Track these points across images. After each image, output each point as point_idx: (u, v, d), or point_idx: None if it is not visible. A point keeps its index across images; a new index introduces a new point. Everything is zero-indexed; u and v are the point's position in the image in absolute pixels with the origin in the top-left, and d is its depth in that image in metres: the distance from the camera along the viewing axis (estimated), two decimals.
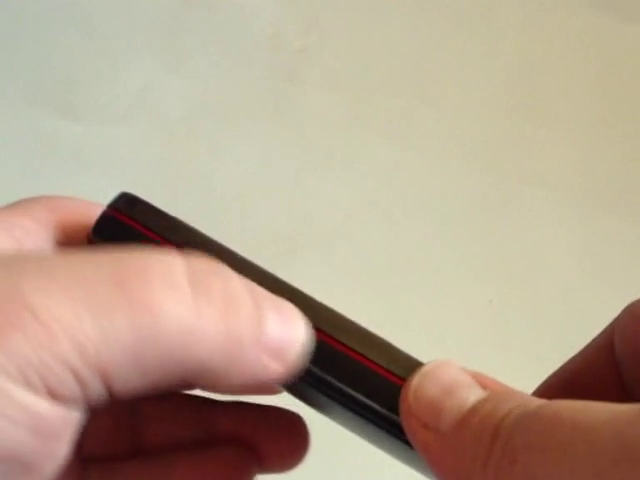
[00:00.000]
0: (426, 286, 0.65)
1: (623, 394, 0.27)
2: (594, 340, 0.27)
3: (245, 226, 0.66)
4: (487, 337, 0.63)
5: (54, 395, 0.20)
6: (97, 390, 0.21)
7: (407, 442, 0.23)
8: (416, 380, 0.22)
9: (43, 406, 0.20)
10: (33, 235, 0.25)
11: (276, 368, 0.23)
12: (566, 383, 0.28)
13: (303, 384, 0.24)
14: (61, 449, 0.21)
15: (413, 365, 0.24)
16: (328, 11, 0.75)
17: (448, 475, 0.21)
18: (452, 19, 0.75)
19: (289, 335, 0.23)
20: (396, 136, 0.71)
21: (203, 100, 0.71)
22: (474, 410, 0.21)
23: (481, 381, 0.22)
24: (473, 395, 0.22)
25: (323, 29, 0.74)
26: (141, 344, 0.20)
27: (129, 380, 0.21)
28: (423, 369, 0.23)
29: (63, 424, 0.21)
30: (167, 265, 0.21)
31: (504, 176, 0.70)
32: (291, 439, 0.28)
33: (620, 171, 0.70)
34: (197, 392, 0.27)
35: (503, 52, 0.74)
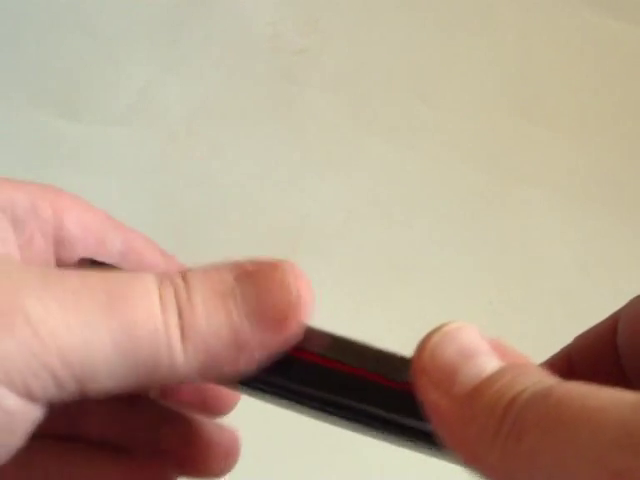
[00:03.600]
0: (425, 286, 0.65)
1: (620, 379, 0.27)
2: (598, 325, 0.27)
3: (245, 226, 0.66)
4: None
5: (30, 395, 0.21)
6: (71, 392, 0.22)
7: (411, 439, 0.24)
8: (435, 338, 0.22)
9: (14, 403, 0.21)
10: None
11: (248, 364, 0.24)
12: (566, 364, 0.28)
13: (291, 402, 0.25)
14: (15, 441, 0.22)
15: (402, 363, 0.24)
16: (328, 11, 0.75)
17: (455, 440, 0.21)
18: (452, 19, 0.75)
19: (267, 334, 0.24)
20: (396, 136, 0.71)
21: (203, 100, 0.71)
22: (489, 381, 0.21)
23: (501, 350, 0.22)
24: (490, 364, 0.21)
25: (323, 29, 0.74)
26: (119, 356, 0.22)
27: (103, 385, 0.22)
28: (444, 328, 0.22)
29: (25, 419, 0.22)
30: (145, 285, 0.23)
31: (504, 176, 0.70)
32: (218, 451, 0.30)
33: (620, 171, 0.70)
34: None
35: (503, 52, 0.74)
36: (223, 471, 0.30)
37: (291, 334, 0.24)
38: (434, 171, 0.69)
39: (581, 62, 0.74)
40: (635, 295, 0.27)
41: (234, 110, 0.71)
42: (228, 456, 0.30)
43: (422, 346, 0.22)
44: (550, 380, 0.20)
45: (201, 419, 0.30)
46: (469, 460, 0.21)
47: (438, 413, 0.21)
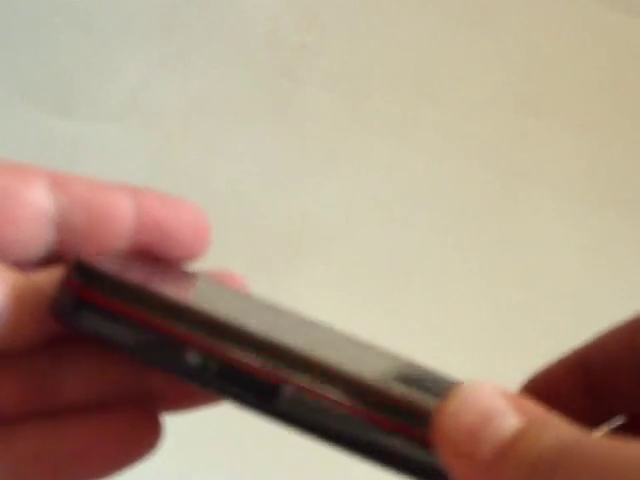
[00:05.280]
0: (428, 287, 0.65)
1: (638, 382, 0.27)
2: (618, 325, 0.27)
3: (243, 226, 0.66)
4: (490, 338, 0.63)
5: None
6: None
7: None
8: (452, 406, 0.22)
9: None
10: None
11: None
12: (582, 364, 0.28)
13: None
14: None
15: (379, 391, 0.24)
16: (328, 7, 0.75)
17: None
18: (454, 15, 0.75)
19: None
20: (397, 134, 0.71)
21: (200, 97, 0.71)
22: (513, 441, 0.21)
23: (518, 404, 0.22)
24: (511, 424, 0.21)
25: (323, 25, 0.74)
26: None
27: None
28: (460, 394, 0.22)
29: None
30: None
31: (507, 175, 0.70)
32: None
33: (627, 169, 0.70)
34: None
35: (506, 49, 0.74)
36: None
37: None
38: (436, 170, 0.69)
39: (586, 58, 0.74)
40: None
41: (232, 107, 0.71)
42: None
43: (440, 417, 0.22)
44: (573, 434, 0.21)
45: None
46: None
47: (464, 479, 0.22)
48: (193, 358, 0.25)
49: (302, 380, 0.24)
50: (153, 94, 0.71)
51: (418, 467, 0.24)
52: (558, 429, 0.21)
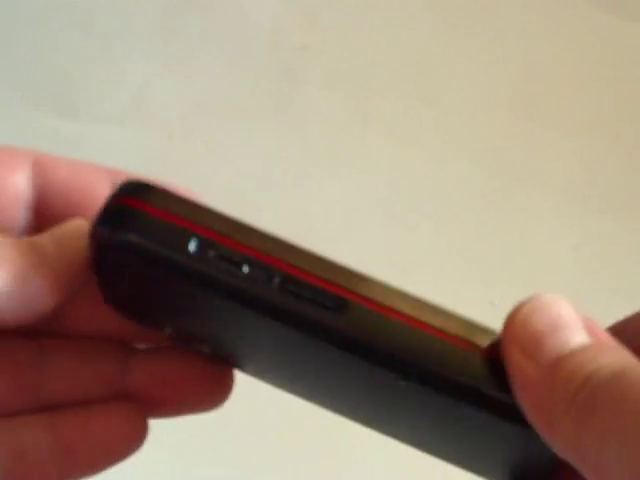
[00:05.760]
0: (427, 287, 0.64)
1: None
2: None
3: None
4: None
5: None
6: None
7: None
8: (529, 307, 0.23)
9: None
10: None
11: None
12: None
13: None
14: None
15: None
16: (329, 8, 0.75)
17: (533, 406, 0.22)
18: (454, 18, 0.75)
19: None
20: (397, 135, 0.71)
21: (202, 98, 0.71)
22: (573, 353, 0.22)
23: (591, 328, 0.23)
24: (577, 338, 0.22)
25: (324, 26, 0.74)
26: None
27: None
28: (539, 299, 0.23)
29: None
30: None
31: (506, 176, 0.70)
32: (204, 383, 0.28)
33: (623, 172, 0.70)
34: None
35: (505, 51, 0.74)
36: (212, 405, 0.29)
37: None
38: (437, 171, 0.69)
39: (583, 61, 0.74)
40: None
41: (233, 108, 0.71)
42: (215, 389, 0.28)
43: (515, 313, 0.23)
44: (630, 362, 0.21)
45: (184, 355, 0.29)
46: (544, 428, 0.22)
47: (522, 377, 0.22)
48: (255, 271, 0.23)
49: (370, 294, 0.23)
50: (155, 94, 0.71)
51: (474, 392, 0.23)
52: (621, 354, 0.22)
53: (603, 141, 0.71)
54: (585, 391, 0.21)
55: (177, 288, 0.24)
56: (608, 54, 0.74)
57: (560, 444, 0.21)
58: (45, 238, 0.26)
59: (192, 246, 0.23)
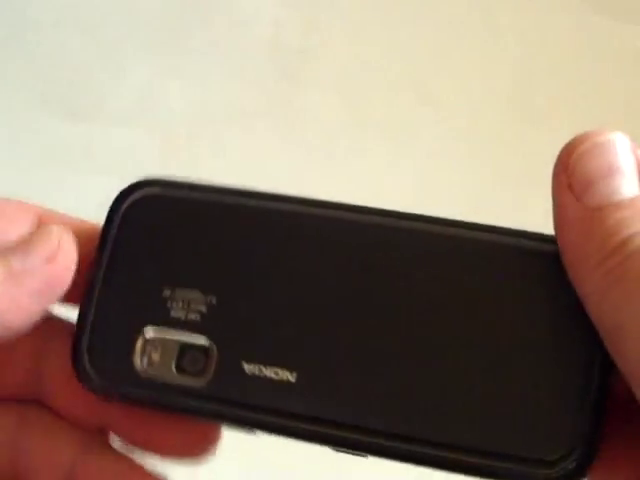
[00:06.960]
0: None
1: None
2: None
3: None
4: None
5: None
6: None
7: None
8: (585, 146, 0.22)
9: None
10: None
11: None
12: None
13: None
14: None
15: None
16: (329, 12, 0.75)
17: (568, 247, 0.22)
18: (452, 20, 0.75)
19: None
20: (397, 137, 0.71)
21: (204, 101, 0.71)
22: (619, 205, 0.21)
23: None
24: (628, 189, 0.21)
25: (324, 30, 0.74)
26: None
27: None
28: (597, 138, 0.22)
29: None
30: None
31: (505, 178, 0.69)
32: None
33: None
34: None
35: (503, 53, 0.74)
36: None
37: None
38: (436, 172, 0.69)
39: (581, 64, 0.74)
40: None
41: (235, 110, 0.71)
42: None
43: (569, 150, 0.22)
44: None
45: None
46: (574, 273, 0.21)
47: (563, 215, 0.22)
48: None
49: None
50: (159, 98, 0.71)
51: None
52: None
53: None
54: (616, 257, 0.20)
55: None
56: (605, 56, 0.74)
57: (585, 296, 0.21)
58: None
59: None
